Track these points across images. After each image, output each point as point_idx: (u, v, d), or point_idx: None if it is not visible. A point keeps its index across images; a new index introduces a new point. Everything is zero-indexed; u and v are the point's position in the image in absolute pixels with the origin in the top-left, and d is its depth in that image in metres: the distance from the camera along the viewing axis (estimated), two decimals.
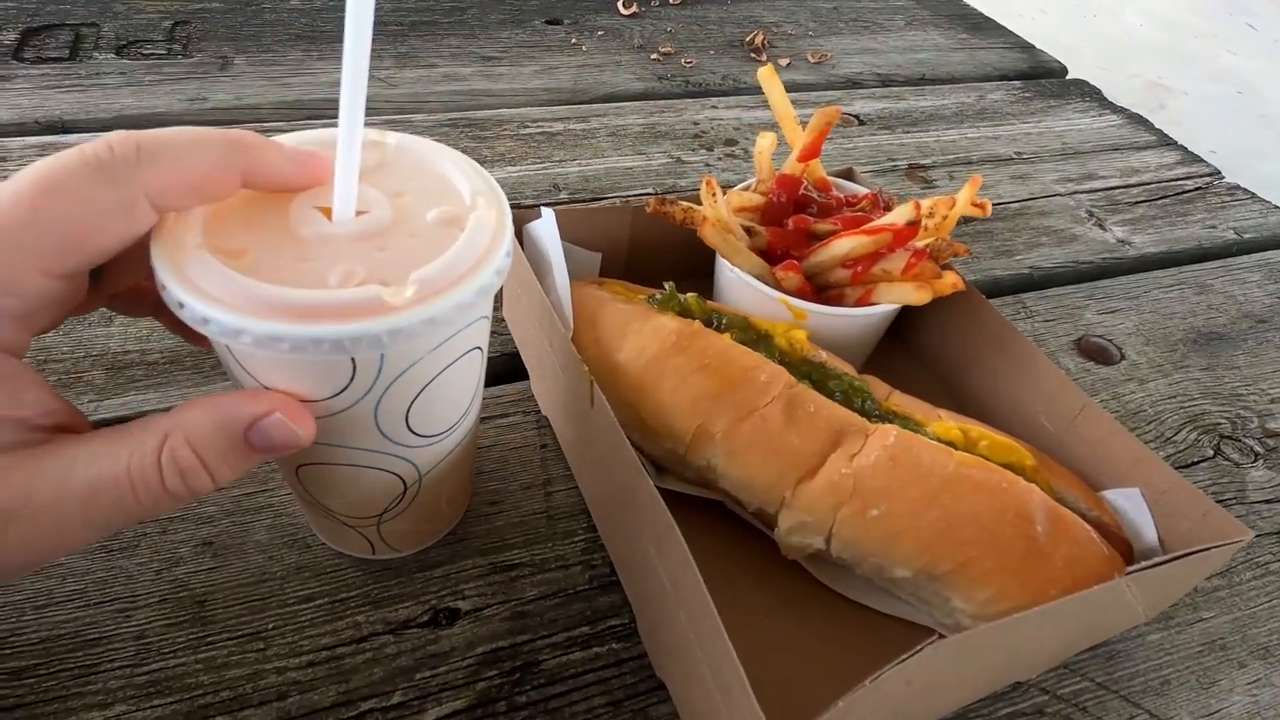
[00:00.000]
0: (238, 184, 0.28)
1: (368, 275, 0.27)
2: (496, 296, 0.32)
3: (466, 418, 0.35)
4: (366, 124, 0.29)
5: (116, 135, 0.26)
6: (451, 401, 0.33)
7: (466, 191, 0.31)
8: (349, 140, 0.28)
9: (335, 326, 0.25)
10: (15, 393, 0.26)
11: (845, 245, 0.45)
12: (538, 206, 0.46)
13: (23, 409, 0.26)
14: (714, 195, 0.45)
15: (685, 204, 0.49)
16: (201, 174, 0.27)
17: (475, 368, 0.33)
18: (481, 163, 0.69)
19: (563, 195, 0.68)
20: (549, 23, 0.97)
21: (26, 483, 0.25)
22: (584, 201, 0.68)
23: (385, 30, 0.90)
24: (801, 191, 0.50)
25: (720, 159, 0.76)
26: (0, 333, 0.26)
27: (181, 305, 0.25)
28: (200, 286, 0.25)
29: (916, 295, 0.44)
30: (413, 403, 0.31)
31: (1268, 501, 0.51)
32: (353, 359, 0.27)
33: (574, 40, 0.94)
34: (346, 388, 0.28)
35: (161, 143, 0.26)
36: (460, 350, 0.31)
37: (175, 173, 0.26)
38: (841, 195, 0.53)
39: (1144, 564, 0.34)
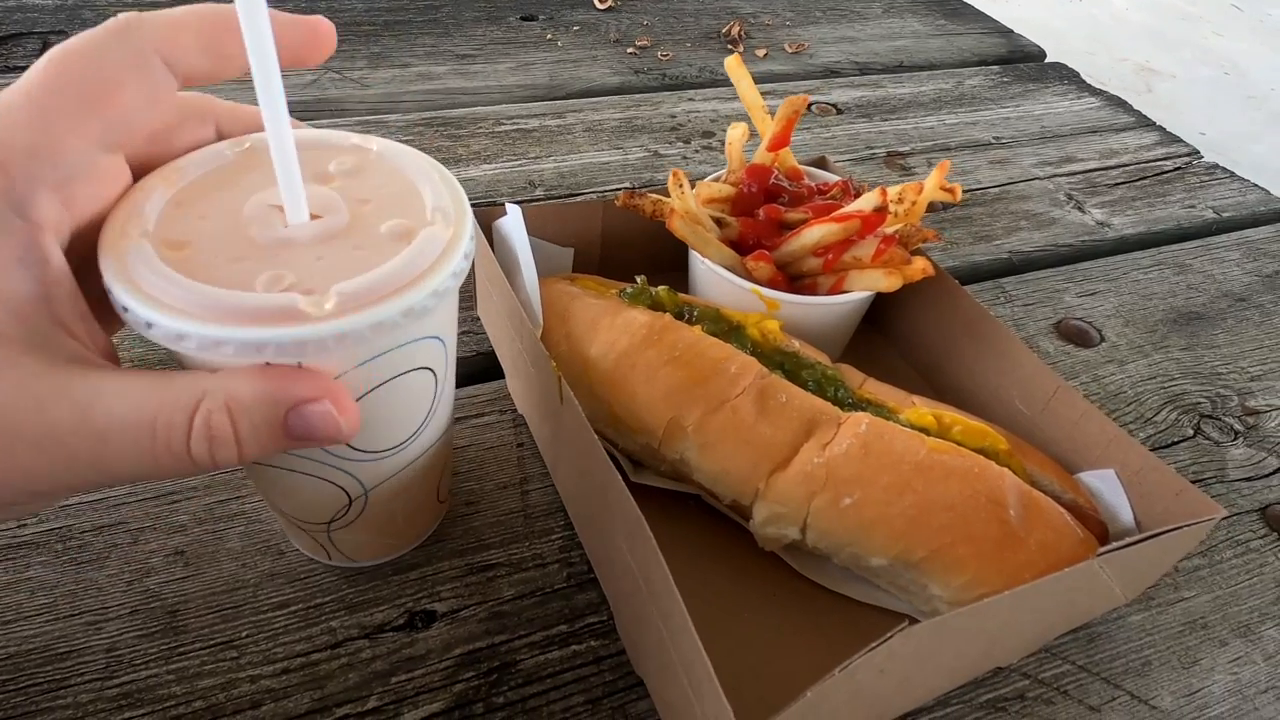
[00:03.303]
0: (243, 47, 0.28)
1: (296, 282, 0.26)
2: (467, 300, 0.31)
3: (417, 439, 0.34)
4: (343, 126, 0.28)
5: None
6: (392, 420, 0.32)
7: (429, 206, 0.30)
8: (279, 142, 0.27)
9: (243, 330, 0.25)
10: (48, 282, 0.24)
11: (816, 234, 0.45)
12: (502, 204, 0.45)
13: (56, 303, 0.24)
14: (681, 186, 0.45)
15: (655, 196, 0.48)
16: (203, 25, 0.27)
17: (421, 389, 0.32)
18: (456, 161, 0.69)
19: (539, 192, 0.68)
20: (524, 18, 0.96)
21: (44, 398, 0.23)
22: (561, 198, 0.68)
23: (358, 30, 0.89)
24: (772, 181, 0.50)
25: (697, 151, 0.76)
26: (37, 207, 0.24)
27: (109, 290, 0.26)
28: (131, 276, 0.26)
29: (886, 282, 0.44)
30: None
31: (1248, 479, 0.51)
32: (268, 365, 0.26)
33: (549, 36, 0.93)
34: None
35: (164, 11, 0.27)
36: (399, 368, 0.30)
37: (177, 26, 0.27)
38: (813, 184, 0.52)
39: (1115, 545, 0.33)
